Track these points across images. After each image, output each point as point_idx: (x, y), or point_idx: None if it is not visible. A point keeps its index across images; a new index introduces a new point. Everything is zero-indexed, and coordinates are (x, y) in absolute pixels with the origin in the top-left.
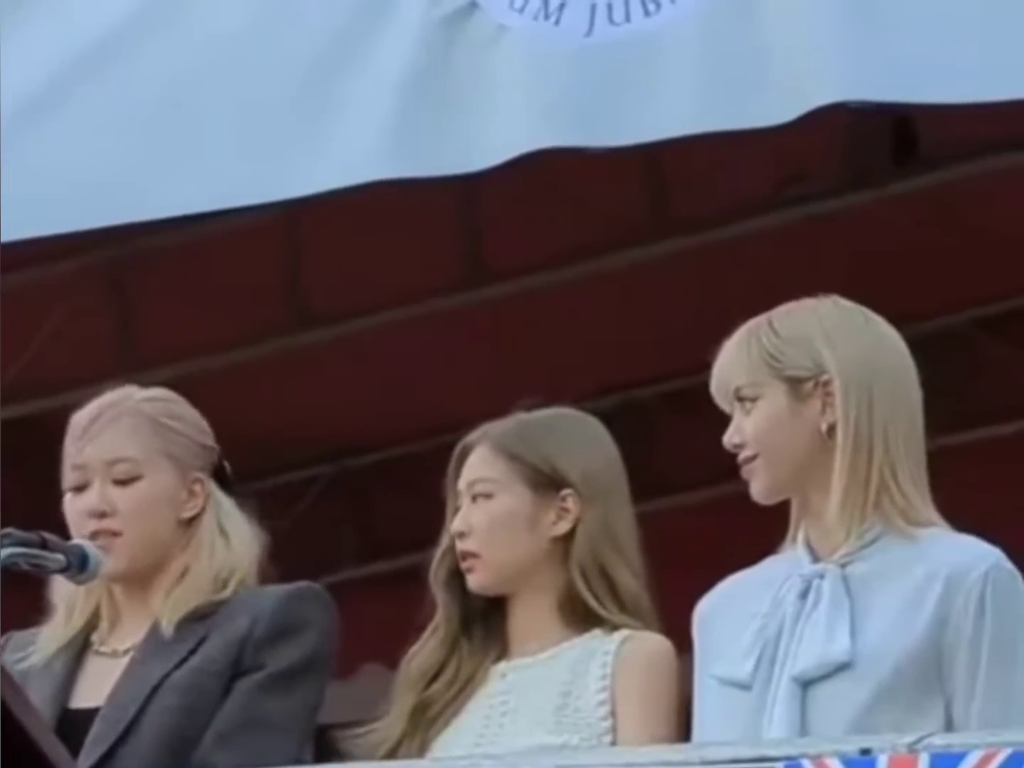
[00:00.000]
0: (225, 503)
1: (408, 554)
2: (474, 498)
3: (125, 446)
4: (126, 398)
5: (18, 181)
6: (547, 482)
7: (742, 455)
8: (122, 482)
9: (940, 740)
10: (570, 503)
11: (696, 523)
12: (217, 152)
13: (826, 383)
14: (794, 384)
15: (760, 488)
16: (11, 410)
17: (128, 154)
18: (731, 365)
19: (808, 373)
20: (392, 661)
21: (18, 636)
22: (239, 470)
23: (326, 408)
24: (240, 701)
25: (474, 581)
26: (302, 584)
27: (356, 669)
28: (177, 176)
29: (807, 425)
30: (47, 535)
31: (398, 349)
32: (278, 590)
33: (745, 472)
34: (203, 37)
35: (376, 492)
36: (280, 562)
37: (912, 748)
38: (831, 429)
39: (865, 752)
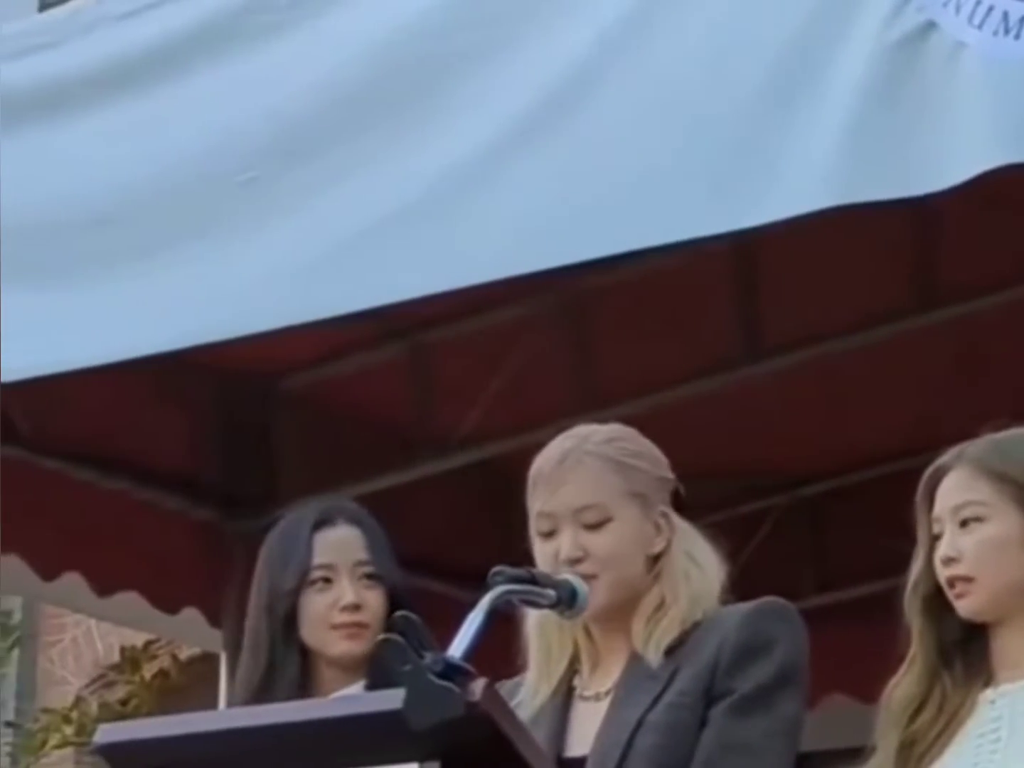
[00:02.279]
0: (688, 530)
1: (865, 583)
2: (963, 523)
3: (591, 491)
4: (584, 441)
5: (471, 231)
6: None
7: None
8: (592, 527)
9: None
10: None
11: None
12: (670, 183)
13: None
14: None
15: None
16: (474, 454)
17: (584, 195)
18: None
19: None
20: (854, 690)
21: (507, 685)
22: (696, 502)
23: (779, 437)
24: (716, 729)
25: (966, 607)
26: (765, 600)
27: (819, 699)
28: (633, 211)
29: None
30: (535, 571)
31: (848, 376)
32: (741, 609)
33: None
34: (658, 70)
35: (831, 520)
36: (740, 594)
37: None
38: None
39: None
